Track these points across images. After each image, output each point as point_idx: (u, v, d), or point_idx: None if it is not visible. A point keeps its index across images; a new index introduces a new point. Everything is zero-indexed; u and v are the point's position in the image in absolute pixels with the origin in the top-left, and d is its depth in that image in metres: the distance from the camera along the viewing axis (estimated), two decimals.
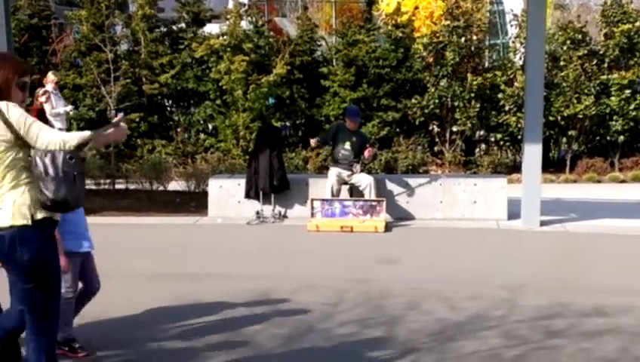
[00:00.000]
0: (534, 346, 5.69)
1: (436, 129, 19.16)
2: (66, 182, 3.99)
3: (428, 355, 5.52)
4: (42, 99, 11.44)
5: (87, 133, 4.14)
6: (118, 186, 14.81)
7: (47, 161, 3.95)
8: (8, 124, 3.95)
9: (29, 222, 4.01)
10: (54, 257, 4.22)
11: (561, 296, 7.10)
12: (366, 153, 11.33)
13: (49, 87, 13.85)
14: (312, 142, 12.16)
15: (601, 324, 6.24)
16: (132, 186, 14.68)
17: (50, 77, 14.43)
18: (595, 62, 18.75)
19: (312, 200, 10.91)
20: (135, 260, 8.65)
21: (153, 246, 9.60)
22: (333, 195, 11.06)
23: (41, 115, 10.77)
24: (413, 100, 18.74)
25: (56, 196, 3.97)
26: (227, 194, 11.70)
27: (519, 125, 17.21)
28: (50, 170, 3.95)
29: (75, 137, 4.09)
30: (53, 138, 4.01)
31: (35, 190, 4.01)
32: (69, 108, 14.42)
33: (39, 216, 4.04)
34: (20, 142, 4.00)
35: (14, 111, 3.99)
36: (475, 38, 19.46)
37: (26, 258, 4.03)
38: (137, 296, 6.98)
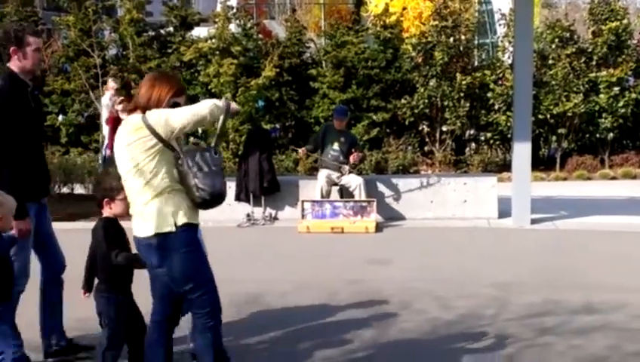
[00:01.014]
0: (526, 344, 5.71)
1: (426, 129, 19.20)
2: (218, 175, 4.26)
3: (421, 354, 5.55)
4: (120, 107, 11.22)
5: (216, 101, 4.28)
6: None
7: (198, 158, 4.17)
8: (151, 129, 4.07)
9: (174, 229, 4.13)
10: (200, 258, 4.37)
11: (552, 294, 7.12)
12: (351, 158, 11.33)
13: (108, 94, 13.54)
14: (301, 151, 12.15)
15: (592, 321, 6.26)
16: None
17: (111, 84, 14.19)
18: (583, 60, 18.83)
19: (303, 201, 10.93)
20: None
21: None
22: (323, 197, 11.08)
23: (117, 123, 10.70)
24: (403, 100, 18.77)
25: (213, 190, 4.19)
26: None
27: (509, 124, 17.27)
28: (204, 167, 4.16)
29: (207, 105, 4.20)
30: (185, 113, 4.15)
31: (179, 196, 4.19)
32: None
33: (181, 221, 4.16)
34: (164, 146, 4.12)
35: (151, 114, 4.13)
36: (463, 37, 19.50)
37: (176, 263, 4.19)
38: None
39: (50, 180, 5.49)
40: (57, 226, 11.37)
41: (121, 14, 19.85)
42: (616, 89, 18.42)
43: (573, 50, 18.81)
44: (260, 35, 20.60)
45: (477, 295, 7.11)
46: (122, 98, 12.68)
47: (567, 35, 19.00)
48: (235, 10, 20.21)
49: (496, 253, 9.25)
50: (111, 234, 4.70)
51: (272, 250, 9.62)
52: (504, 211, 11.26)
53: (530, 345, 5.69)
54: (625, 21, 19.03)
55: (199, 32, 20.27)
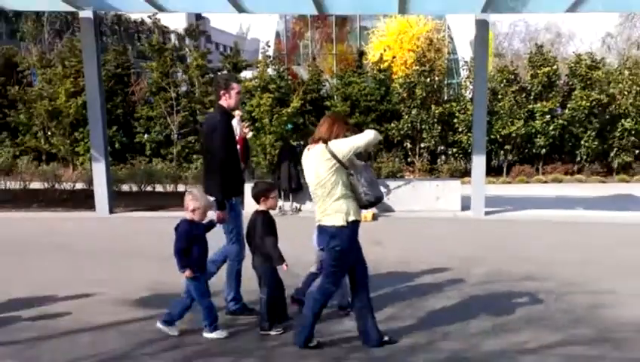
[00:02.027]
0: (481, 304, 5.68)
1: (409, 145, 19.14)
2: (376, 184, 4.53)
3: (406, 309, 5.52)
4: (246, 130, 11.25)
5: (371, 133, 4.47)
6: (179, 189, 14.83)
7: (363, 173, 4.46)
8: (332, 155, 4.37)
9: (345, 224, 4.42)
10: (354, 248, 4.57)
11: (501, 266, 7.09)
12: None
13: (236, 119, 13.03)
14: None
15: (531, 286, 6.23)
16: (189, 189, 14.66)
17: (237, 112, 13.90)
18: (524, 95, 18.72)
19: None
20: None
21: (211, 235, 9.59)
22: None
23: (246, 143, 10.81)
24: (392, 124, 18.72)
25: (375, 194, 4.47)
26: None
27: (469, 142, 17.17)
28: (368, 179, 4.45)
29: (366, 137, 4.44)
30: (354, 142, 4.41)
31: (349, 200, 4.45)
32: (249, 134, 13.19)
33: (351, 219, 4.44)
34: (340, 165, 4.39)
35: (332, 144, 4.42)
36: (437, 78, 19.42)
37: (336, 248, 4.45)
38: None
39: (244, 183, 5.64)
40: (142, 215, 11.50)
41: (189, 61, 19.87)
42: (547, 117, 18.31)
43: (517, 87, 18.71)
44: (290, 77, 20.59)
45: (446, 265, 7.08)
46: (244, 123, 12.42)
47: (512, 76, 18.89)
48: (271, 59, 20.23)
49: (460, 235, 9.22)
50: (266, 223, 4.89)
51: (297, 234, 9.54)
52: (465, 205, 11.21)
53: (484, 305, 5.66)
54: (555, 67, 18.91)
55: (246, 74, 20.28)
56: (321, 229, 4.55)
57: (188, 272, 4.70)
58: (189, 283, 4.80)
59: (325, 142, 4.43)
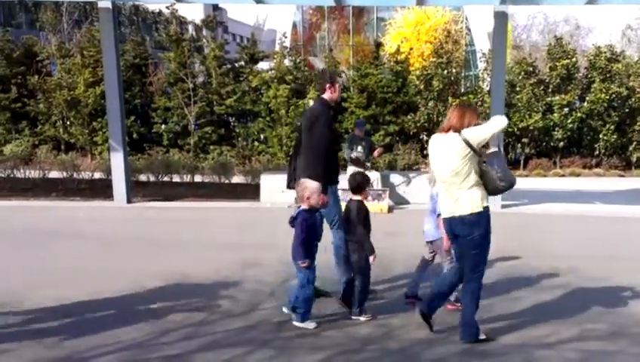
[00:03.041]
0: (499, 297, 5.64)
1: (425, 138, 19.04)
2: (507, 170, 4.52)
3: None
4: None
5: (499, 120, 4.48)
6: (196, 179, 14.89)
7: (496, 160, 4.46)
8: (467, 143, 4.37)
9: (481, 210, 4.45)
10: (489, 232, 4.55)
11: (518, 259, 7.03)
12: (375, 153, 11.27)
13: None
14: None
15: (550, 281, 6.17)
16: (207, 179, 14.75)
17: None
18: (542, 88, 18.55)
19: None
20: (209, 233, 8.70)
21: (222, 223, 9.64)
22: None
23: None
24: (409, 117, 18.65)
25: (511, 180, 4.51)
26: (274, 186, 11.70)
27: None
28: (500, 164, 4.45)
29: (495, 124, 4.42)
30: (485, 131, 4.38)
31: (481, 187, 4.47)
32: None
33: (484, 205, 4.48)
34: (473, 153, 4.39)
35: (465, 133, 4.40)
36: (454, 70, 19.33)
37: (477, 234, 4.46)
38: (213, 260, 7.02)
39: (339, 172, 5.83)
40: (159, 205, 11.54)
41: (207, 52, 19.90)
42: (566, 110, 18.16)
43: (535, 80, 18.55)
44: (306, 68, 20.56)
45: None
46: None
47: (531, 69, 18.74)
48: (288, 50, 20.20)
49: None
50: (361, 215, 5.05)
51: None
52: None
53: (504, 299, 5.61)
54: (574, 59, 18.73)
55: (263, 65, 20.28)
56: (456, 220, 4.52)
57: (307, 262, 4.81)
58: (301, 272, 4.87)
59: (457, 131, 4.44)
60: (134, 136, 18.59)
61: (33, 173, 14.27)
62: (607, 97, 18.04)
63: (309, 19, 38.03)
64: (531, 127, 18.09)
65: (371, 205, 10.61)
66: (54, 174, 14.36)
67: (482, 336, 4.61)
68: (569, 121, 18.12)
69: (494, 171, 4.43)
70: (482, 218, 4.46)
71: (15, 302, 5.38)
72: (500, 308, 5.35)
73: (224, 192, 12.99)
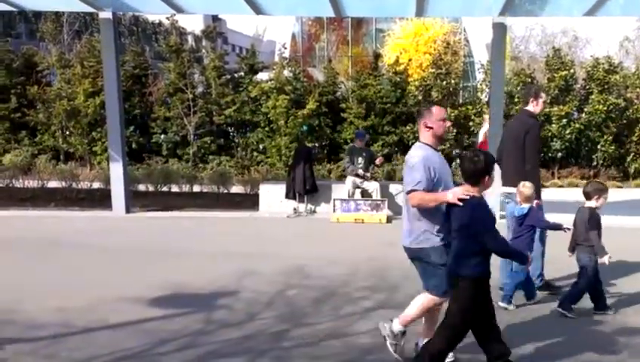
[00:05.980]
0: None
1: None
2: None
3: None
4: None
5: None
6: (195, 189, 14.89)
7: None
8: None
9: None
10: None
11: None
12: (377, 161, 11.40)
13: (486, 125, 12.18)
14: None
15: (552, 301, 6.13)
16: (205, 189, 14.75)
17: (485, 117, 13.43)
18: None
19: (334, 200, 10.88)
20: (207, 243, 8.69)
21: (220, 233, 9.64)
22: (349, 196, 11.03)
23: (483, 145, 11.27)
24: (408, 127, 18.65)
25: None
26: (273, 196, 11.72)
27: None
28: None
29: None
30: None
31: None
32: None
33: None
34: None
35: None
36: (453, 81, 19.35)
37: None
38: (211, 270, 7.01)
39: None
40: (158, 215, 11.52)
41: (206, 62, 19.94)
42: (564, 121, 18.18)
43: None
44: (305, 79, 20.59)
45: None
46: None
47: (529, 80, 18.77)
48: (288, 60, 20.25)
49: None
50: (593, 218, 5.60)
51: (311, 235, 9.60)
52: None
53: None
54: (572, 71, 18.79)
55: (262, 76, 20.32)
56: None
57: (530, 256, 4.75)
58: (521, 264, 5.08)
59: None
60: (134, 146, 18.58)
61: (32, 183, 14.26)
62: (605, 108, 18.07)
63: (308, 31, 38.18)
64: None
65: (370, 215, 10.65)
66: (53, 184, 14.35)
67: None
68: (567, 131, 18.14)
69: None
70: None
71: (11, 311, 5.37)
72: (505, 318, 5.33)
73: (223, 202, 12.98)
